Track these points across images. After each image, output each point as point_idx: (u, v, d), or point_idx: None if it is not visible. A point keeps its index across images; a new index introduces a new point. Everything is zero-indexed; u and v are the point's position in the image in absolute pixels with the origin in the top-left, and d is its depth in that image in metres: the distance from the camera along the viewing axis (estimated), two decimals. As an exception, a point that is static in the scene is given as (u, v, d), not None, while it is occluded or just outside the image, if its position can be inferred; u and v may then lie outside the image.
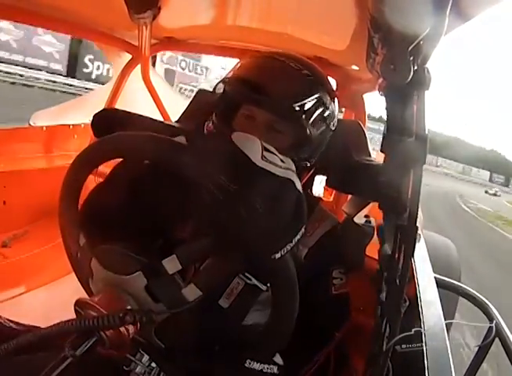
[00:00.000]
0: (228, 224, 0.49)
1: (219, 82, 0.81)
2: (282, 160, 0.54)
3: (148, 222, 0.65)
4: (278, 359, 0.66)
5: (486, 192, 31.83)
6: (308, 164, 0.81)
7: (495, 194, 31.11)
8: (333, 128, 0.84)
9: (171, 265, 0.53)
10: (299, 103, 0.75)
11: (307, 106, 0.76)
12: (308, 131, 0.77)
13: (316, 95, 0.78)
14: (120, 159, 0.65)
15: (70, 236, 0.65)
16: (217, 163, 0.49)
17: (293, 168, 0.55)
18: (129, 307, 0.54)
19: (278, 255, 0.49)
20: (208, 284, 0.55)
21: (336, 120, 0.85)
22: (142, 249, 0.56)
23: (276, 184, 0.51)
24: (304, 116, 0.76)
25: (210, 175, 0.49)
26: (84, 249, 0.61)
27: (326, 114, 0.80)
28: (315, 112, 0.77)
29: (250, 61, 0.82)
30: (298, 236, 0.52)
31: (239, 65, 0.83)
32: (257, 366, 0.64)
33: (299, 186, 0.54)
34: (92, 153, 0.61)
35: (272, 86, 0.75)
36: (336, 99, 0.85)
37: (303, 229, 0.52)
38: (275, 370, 0.66)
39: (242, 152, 0.52)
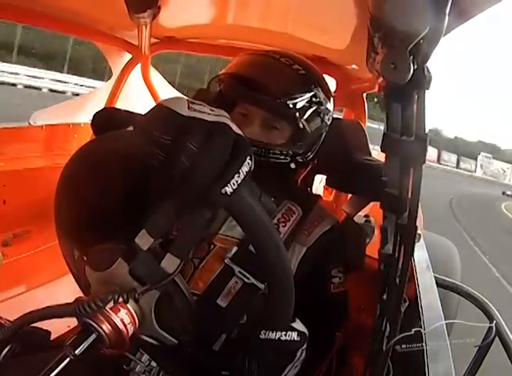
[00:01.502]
0: (175, 177, 0.50)
1: (212, 79, 0.81)
2: (212, 110, 0.54)
3: (124, 214, 0.66)
4: (298, 325, 0.62)
5: (504, 193, 26.21)
6: (305, 160, 0.82)
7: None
8: (328, 123, 0.84)
9: (143, 240, 0.54)
10: (293, 100, 0.76)
11: (301, 103, 0.77)
12: (302, 127, 0.78)
13: (310, 92, 0.79)
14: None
15: (67, 253, 0.67)
16: (150, 128, 0.51)
17: (227, 115, 0.54)
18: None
19: (229, 189, 0.49)
20: (183, 248, 0.54)
21: (331, 114, 0.86)
22: (121, 240, 0.57)
23: (208, 128, 0.51)
24: (298, 113, 0.77)
25: (146, 141, 0.51)
26: (78, 261, 0.64)
27: (320, 110, 0.81)
28: (309, 108, 0.78)
29: (244, 59, 0.83)
30: (245, 168, 0.50)
31: (232, 63, 0.84)
32: (273, 335, 0.60)
33: (236, 129, 0.53)
34: (87, 152, 0.62)
35: (266, 84, 0.76)
36: (330, 94, 0.85)
37: (249, 161, 0.51)
38: (294, 336, 0.61)
39: (169, 109, 0.52)
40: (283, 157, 0.78)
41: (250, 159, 0.51)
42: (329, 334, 0.80)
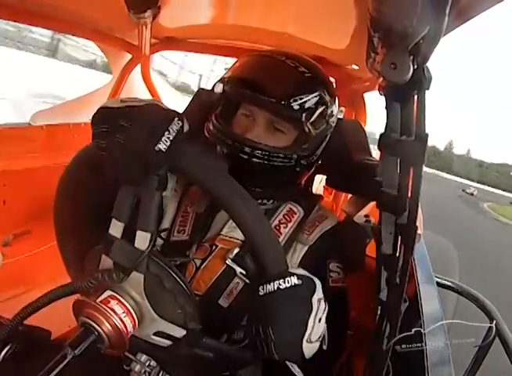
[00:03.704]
0: (119, 157, 0.53)
1: (217, 82, 0.81)
2: (142, 100, 0.58)
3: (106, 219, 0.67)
4: (298, 270, 0.57)
5: (463, 190, 36.22)
6: (309, 162, 0.81)
7: (472, 194, 34.51)
8: (333, 125, 0.84)
9: (115, 228, 0.56)
10: (298, 102, 0.76)
11: (306, 105, 0.77)
12: (308, 129, 0.77)
13: (315, 94, 0.78)
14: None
15: (66, 256, 0.72)
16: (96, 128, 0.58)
17: (158, 101, 0.59)
18: (112, 290, 0.56)
19: (162, 146, 0.51)
20: (147, 220, 0.55)
21: (336, 116, 0.85)
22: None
23: (140, 109, 0.55)
24: (304, 115, 0.76)
25: (92, 139, 0.57)
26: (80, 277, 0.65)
27: (325, 112, 0.80)
28: (314, 110, 0.78)
29: (249, 60, 0.82)
30: (175, 127, 0.52)
31: (237, 64, 0.83)
32: (270, 287, 0.54)
33: (165, 107, 0.56)
34: (86, 155, 0.62)
35: (271, 86, 0.75)
36: (335, 96, 0.85)
37: (178, 121, 0.53)
38: (294, 281, 0.55)
39: (104, 107, 0.59)
40: (287, 160, 0.77)
41: (180, 120, 0.53)
42: (334, 332, 0.79)
